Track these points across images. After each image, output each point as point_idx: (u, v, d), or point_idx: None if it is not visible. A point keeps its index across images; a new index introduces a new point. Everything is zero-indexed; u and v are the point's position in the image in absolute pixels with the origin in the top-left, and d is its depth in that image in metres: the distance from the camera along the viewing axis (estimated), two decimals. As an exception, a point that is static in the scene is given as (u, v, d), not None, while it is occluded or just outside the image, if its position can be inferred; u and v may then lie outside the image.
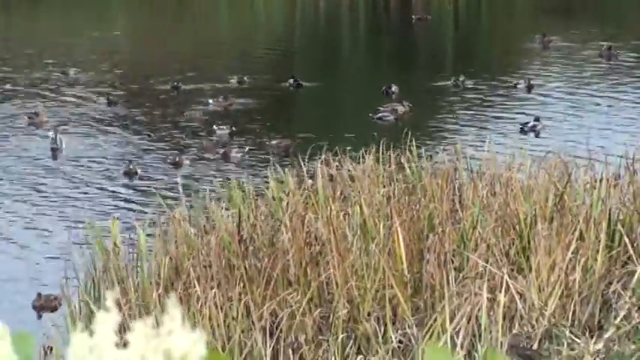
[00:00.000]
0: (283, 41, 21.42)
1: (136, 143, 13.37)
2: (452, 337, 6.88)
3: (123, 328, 1.34)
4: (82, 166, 12.31)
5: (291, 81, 16.71)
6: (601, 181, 8.98)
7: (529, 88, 16.07)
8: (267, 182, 9.46)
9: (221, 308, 7.56)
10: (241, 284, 7.83)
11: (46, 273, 9.34)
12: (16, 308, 9.41)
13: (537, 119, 13.87)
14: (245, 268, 7.94)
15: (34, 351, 1.24)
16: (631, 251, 8.15)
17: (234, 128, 13.62)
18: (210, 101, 15.04)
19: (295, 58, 19.98)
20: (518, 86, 16.48)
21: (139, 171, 11.94)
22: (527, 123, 14.14)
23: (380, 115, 14.78)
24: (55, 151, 12.85)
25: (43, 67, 16.90)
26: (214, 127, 13.96)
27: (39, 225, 10.25)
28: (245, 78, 16.59)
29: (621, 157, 9.88)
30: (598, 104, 14.72)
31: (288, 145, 12.52)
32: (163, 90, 15.73)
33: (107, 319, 1.32)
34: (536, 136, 13.18)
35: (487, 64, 17.58)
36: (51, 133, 13.70)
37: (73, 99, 15.54)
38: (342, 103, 15.61)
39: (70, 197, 11.28)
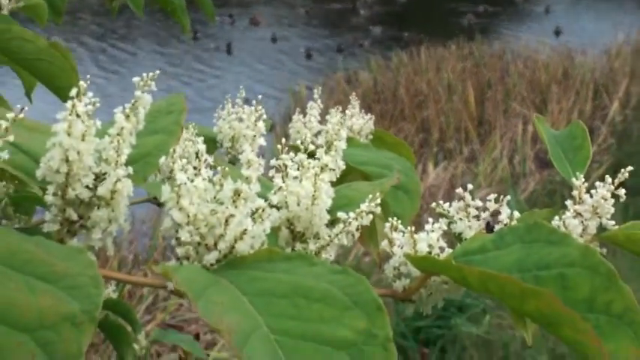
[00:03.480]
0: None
1: (317, 37, 13.24)
2: (500, 151, 6.84)
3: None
4: (293, 49, 12.24)
5: None
6: (591, 61, 8.94)
7: (547, 10, 15.46)
8: (392, 58, 9.39)
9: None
10: (375, 119, 7.83)
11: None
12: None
13: (558, 28, 13.50)
14: (378, 110, 7.92)
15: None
16: (607, 101, 8.05)
17: (389, 27, 13.36)
18: (362, 12, 14.77)
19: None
20: (544, 8, 15.87)
21: (313, 54, 11.88)
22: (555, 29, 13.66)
23: (461, 20, 14.56)
24: (274, 41, 12.77)
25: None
26: (370, 27, 13.73)
27: (257, 80, 10.25)
28: (371, 1, 16.11)
29: (603, 46, 9.72)
30: (591, 20, 14.40)
31: (409, 37, 12.19)
32: (342, 7, 15.39)
33: (314, 106, 1.34)
34: (557, 35, 12.83)
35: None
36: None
37: (280, 9, 15.38)
38: (433, 11, 15.38)
39: (276, 66, 11.27)
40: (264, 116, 0.90)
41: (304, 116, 1.36)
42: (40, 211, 0.80)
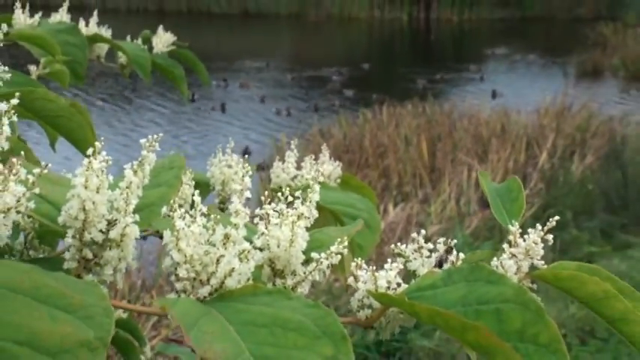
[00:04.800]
0: (364, 48, 21.03)
1: (298, 98, 13.19)
2: (449, 194, 6.85)
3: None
4: (278, 108, 12.16)
5: (362, 65, 16.27)
6: (524, 118, 9.00)
7: (482, 77, 15.35)
8: (358, 116, 9.37)
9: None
10: (344, 167, 7.83)
11: (253, 154, 9.24)
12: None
13: (495, 92, 13.52)
14: (347, 159, 7.92)
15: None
16: (537, 152, 8.09)
17: (357, 91, 13.31)
18: (334, 77, 14.71)
19: (370, 51, 19.66)
20: (480, 76, 15.76)
21: (294, 112, 11.83)
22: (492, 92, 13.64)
23: (415, 85, 14.52)
24: (262, 101, 12.63)
25: (248, 61, 16.61)
26: (343, 90, 13.66)
27: (247, 133, 10.20)
28: (342, 69, 15.89)
29: (534, 106, 9.78)
30: (523, 85, 14.44)
31: (377, 99, 12.06)
32: (322, 74, 15.35)
33: (291, 155, 1.34)
34: (494, 98, 12.84)
35: (471, 64, 17.27)
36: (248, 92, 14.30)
37: (268, 76, 15.33)
38: (393, 77, 15.42)
39: (263, 121, 11.24)
40: (250, 171, 0.91)
41: (283, 163, 1.37)
42: (62, 243, 0.81)
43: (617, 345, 4.09)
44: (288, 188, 0.81)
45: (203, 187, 1.20)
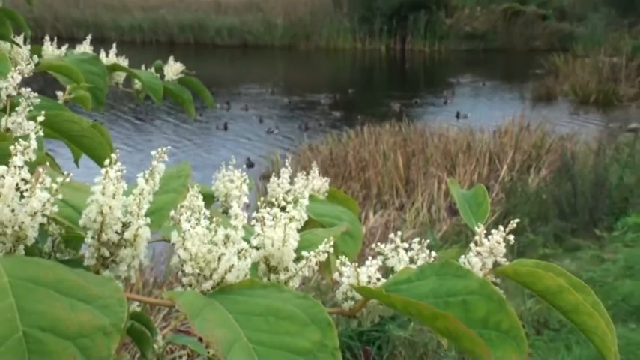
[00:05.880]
0: (348, 75, 20.94)
1: (291, 119, 13.18)
2: (421, 203, 6.85)
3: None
4: (273, 128, 12.16)
5: (347, 90, 16.24)
6: (487, 137, 9.01)
7: (445, 102, 15.22)
8: (343, 134, 9.37)
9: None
10: (330, 179, 7.80)
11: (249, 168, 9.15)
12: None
13: (458, 112, 13.39)
14: (332, 172, 7.91)
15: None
16: (499, 166, 8.10)
17: (342, 112, 13.29)
18: (322, 101, 14.68)
19: (353, 77, 19.61)
20: (446, 100, 15.64)
21: (287, 131, 11.77)
22: (457, 113, 13.60)
23: (392, 108, 14.41)
24: (260, 121, 12.41)
25: (248, 87, 16.53)
26: (331, 111, 13.61)
27: (246, 150, 10.18)
28: (329, 94, 15.65)
29: (495, 126, 9.79)
30: (484, 108, 14.44)
31: (359, 119, 12.01)
32: (314, 98, 15.31)
33: (285, 171, 1.34)
34: (458, 118, 12.82)
35: (441, 89, 17.22)
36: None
37: (265, 99, 15.25)
38: (374, 101, 15.39)
39: (259, 140, 11.23)
40: (247, 180, 0.90)
41: (278, 178, 1.36)
42: (85, 246, 0.82)
43: (567, 334, 4.09)
44: (281, 196, 0.81)
45: (208, 198, 1.20)
